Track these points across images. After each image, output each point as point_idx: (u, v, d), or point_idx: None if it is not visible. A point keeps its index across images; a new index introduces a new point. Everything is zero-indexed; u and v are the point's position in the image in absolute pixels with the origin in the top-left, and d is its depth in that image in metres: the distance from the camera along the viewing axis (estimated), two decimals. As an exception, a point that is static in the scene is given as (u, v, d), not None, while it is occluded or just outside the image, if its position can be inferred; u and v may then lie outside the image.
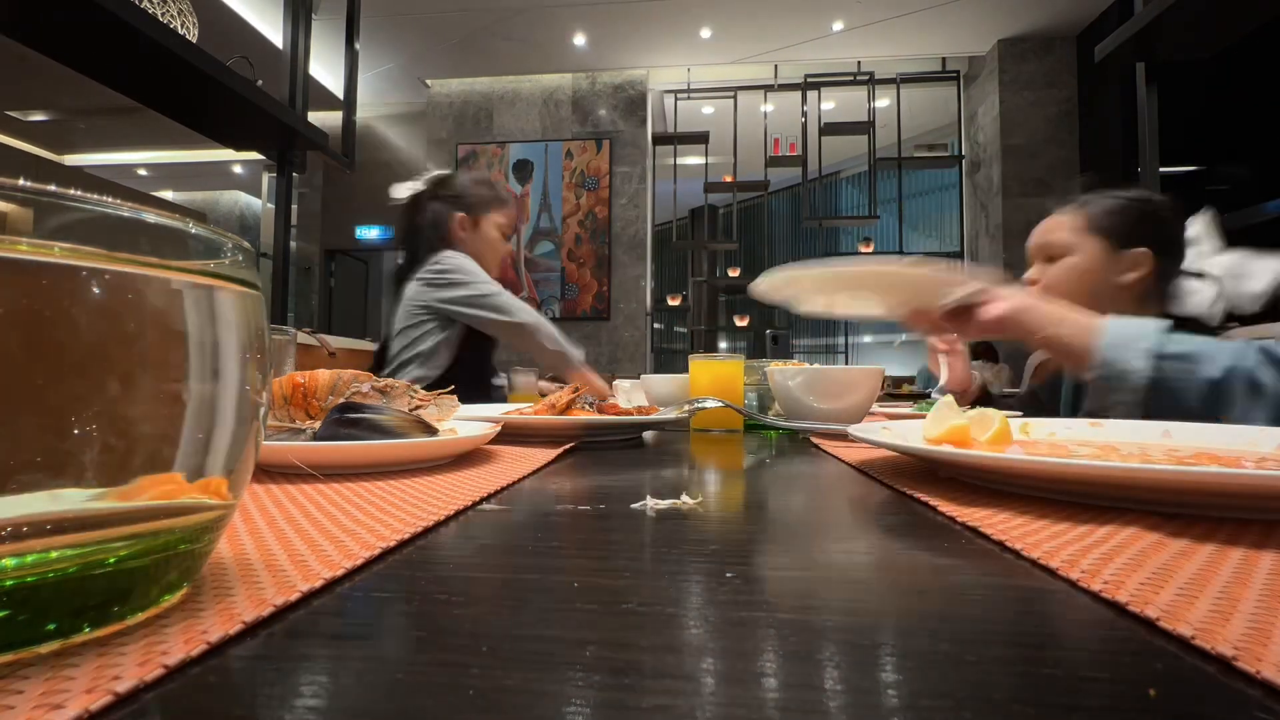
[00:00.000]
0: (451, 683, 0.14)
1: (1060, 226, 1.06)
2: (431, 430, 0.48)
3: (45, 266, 0.14)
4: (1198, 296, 0.99)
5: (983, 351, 3.66)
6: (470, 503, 0.33)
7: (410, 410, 0.52)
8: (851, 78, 4.86)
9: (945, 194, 6.06)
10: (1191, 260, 1.03)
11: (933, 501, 0.33)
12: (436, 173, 1.55)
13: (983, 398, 1.30)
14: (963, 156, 4.98)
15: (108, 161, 6.38)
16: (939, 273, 0.66)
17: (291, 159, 1.88)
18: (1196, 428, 0.48)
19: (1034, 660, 0.16)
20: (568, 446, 0.60)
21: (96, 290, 0.15)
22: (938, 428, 0.45)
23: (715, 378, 0.86)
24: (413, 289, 1.37)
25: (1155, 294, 1.01)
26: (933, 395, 1.34)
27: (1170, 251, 1.01)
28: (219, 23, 3.93)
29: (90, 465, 0.14)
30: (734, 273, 5.24)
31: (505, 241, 1.53)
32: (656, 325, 5.67)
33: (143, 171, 6.59)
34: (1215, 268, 1.00)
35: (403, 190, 1.50)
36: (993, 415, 0.44)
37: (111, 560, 0.15)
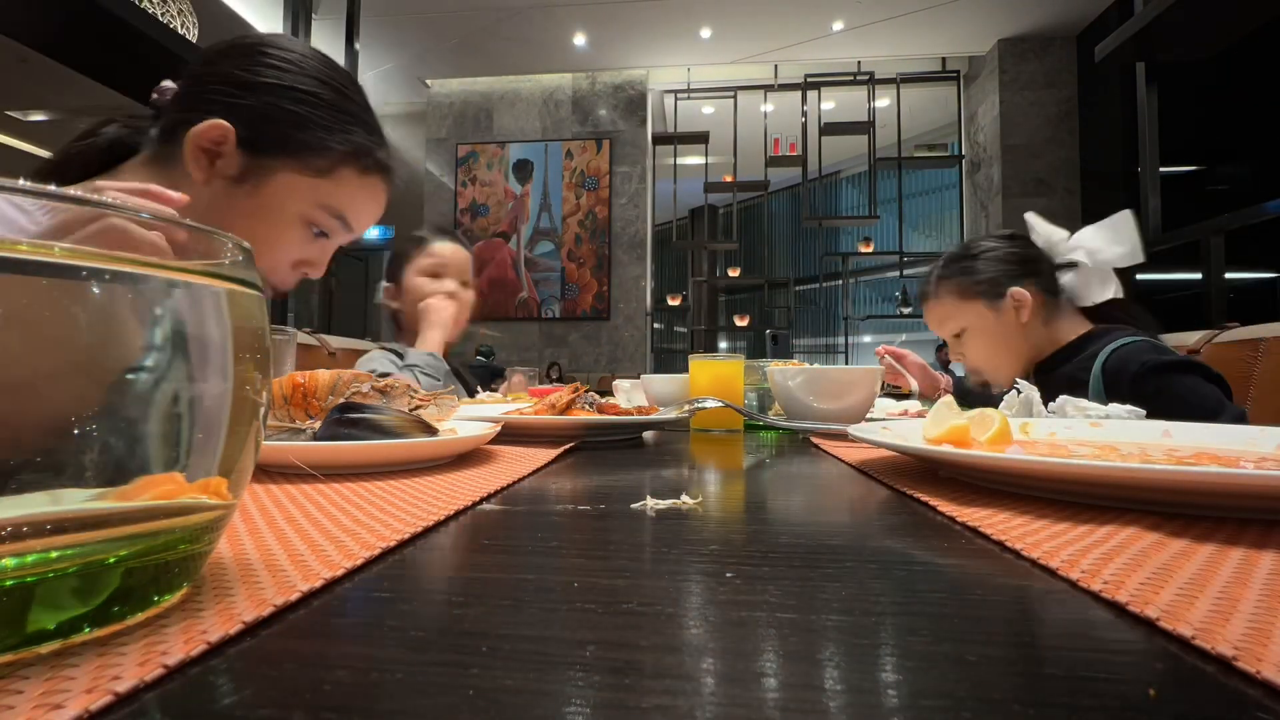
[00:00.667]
0: (451, 683, 0.14)
1: (938, 318, 1.10)
2: (431, 430, 0.48)
3: (45, 266, 0.14)
4: (1098, 287, 1.03)
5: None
6: (470, 503, 0.33)
7: (410, 410, 0.52)
8: (851, 78, 4.86)
9: (945, 194, 6.06)
10: (1056, 253, 1.07)
11: (933, 501, 0.33)
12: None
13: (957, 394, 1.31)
14: (963, 156, 4.98)
15: (108, 161, 6.37)
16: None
17: (291, 159, 1.88)
18: (1197, 428, 0.48)
19: (1034, 660, 0.16)
20: (568, 446, 0.60)
21: (96, 290, 0.15)
22: (938, 428, 0.45)
23: (715, 378, 0.86)
24: None
25: (1059, 307, 1.04)
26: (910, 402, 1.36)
27: (1036, 271, 1.04)
28: (219, 23, 3.93)
29: (90, 465, 0.14)
30: (734, 273, 5.24)
31: (440, 280, 1.34)
32: (656, 325, 5.66)
33: (143, 171, 6.59)
34: (1079, 254, 1.03)
35: (380, 292, 1.43)
36: (993, 415, 0.44)
37: (111, 560, 0.15)
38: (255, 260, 0.19)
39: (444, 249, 1.37)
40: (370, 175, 0.70)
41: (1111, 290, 1.02)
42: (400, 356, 1.29)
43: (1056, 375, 1.00)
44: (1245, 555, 0.23)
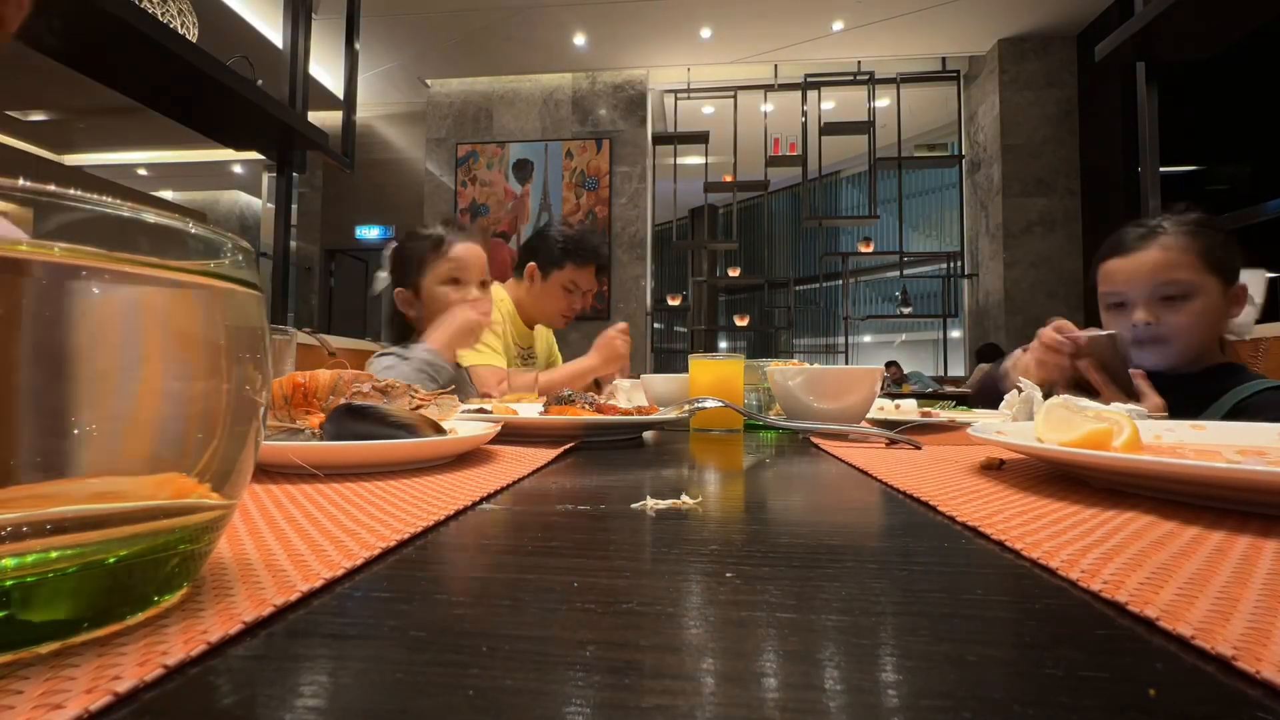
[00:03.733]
0: (451, 683, 0.14)
1: (1182, 264, 0.98)
2: (432, 430, 0.48)
3: (45, 266, 0.14)
4: (1241, 320, 1.01)
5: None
6: (470, 503, 0.33)
7: (410, 410, 0.52)
8: (851, 77, 4.86)
9: (945, 194, 6.06)
10: None
11: (933, 501, 0.33)
12: (390, 247, 1.34)
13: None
14: (963, 156, 4.98)
15: (108, 161, 6.38)
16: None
17: (291, 159, 1.88)
18: None
19: (1034, 660, 0.16)
20: (568, 446, 0.60)
21: (96, 290, 0.15)
22: (1068, 432, 0.41)
23: (715, 378, 0.86)
24: None
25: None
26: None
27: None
28: (219, 23, 3.93)
29: (91, 465, 0.14)
30: (734, 273, 5.24)
31: (463, 287, 1.26)
32: (656, 325, 5.67)
33: (143, 171, 6.59)
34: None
35: (379, 283, 1.33)
36: (1119, 419, 0.40)
37: (111, 560, 0.15)
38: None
39: (463, 252, 1.28)
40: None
41: (1247, 336, 0.99)
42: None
43: (1196, 387, 0.94)
44: (1245, 554, 0.23)
